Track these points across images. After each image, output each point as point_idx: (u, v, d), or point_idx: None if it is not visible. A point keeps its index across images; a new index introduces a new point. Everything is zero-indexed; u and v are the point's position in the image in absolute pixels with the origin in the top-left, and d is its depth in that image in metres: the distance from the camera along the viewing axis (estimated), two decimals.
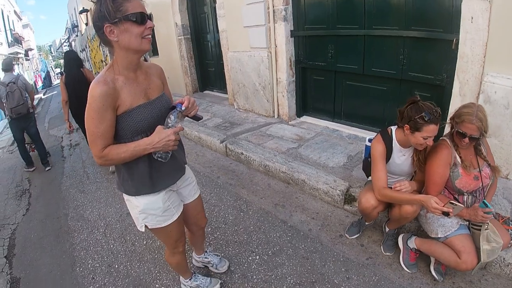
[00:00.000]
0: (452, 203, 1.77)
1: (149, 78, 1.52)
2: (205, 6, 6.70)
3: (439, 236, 2.10)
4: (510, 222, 2.39)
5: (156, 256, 2.71)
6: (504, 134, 2.81)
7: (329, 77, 4.49)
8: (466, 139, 1.94)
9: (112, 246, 2.92)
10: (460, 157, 2.07)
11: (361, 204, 2.33)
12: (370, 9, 3.70)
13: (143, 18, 1.32)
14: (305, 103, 5.08)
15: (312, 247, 2.62)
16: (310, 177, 3.26)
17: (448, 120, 2.09)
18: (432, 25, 3.25)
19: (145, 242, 2.88)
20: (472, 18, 2.72)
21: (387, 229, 2.52)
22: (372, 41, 3.79)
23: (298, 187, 3.40)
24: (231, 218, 3.08)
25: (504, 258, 2.26)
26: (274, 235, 2.80)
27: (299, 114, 5.13)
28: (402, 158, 2.26)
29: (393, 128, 2.26)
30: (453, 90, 2.94)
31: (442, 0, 3.11)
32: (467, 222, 2.10)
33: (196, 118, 1.59)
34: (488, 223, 1.97)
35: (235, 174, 3.88)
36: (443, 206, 1.79)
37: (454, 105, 2.82)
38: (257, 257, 2.56)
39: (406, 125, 2.02)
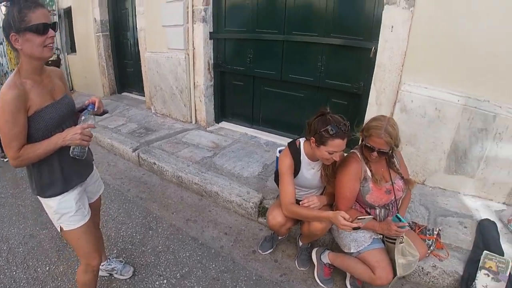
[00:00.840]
0: (360, 219, 1.71)
1: (53, 81, 1.60)
2: (126, 2, 6.16)
3: (352, 251, 2.06)
4: (427, 232, 2.41)
5: (59, 284, 2.32)
6: (420, 142, 2.89)
7: (248, 82, 4.38)
8: (375, 153, 1.90)
9: (14, 273, 2.45)
10: (371, 171, 2.02)
11: (268, 221, 2.22)
12: (290, 15, 3.63)
13: (45, 28, 1.38)
14: (224, 109, 4.90)
15: (223, 266, 2.46)
16: (223, 189, 3.10)
17: (359, 132, 2.03)
18: (352, 32, 3.25)
19: (48, 268, 2.47)
20: (392, 27, 2.74)
21: (300, 243, 2.44)
22: (291, 47, 3.73)
23: (211, 200, 3.21)
24: (139, 237, 2.78)
25: (422, 268, 2.30)
26: (184, 255, 2.58)
27: (217, 120, 4.93)
28: (311, 171, 2.17)
29: (302, 140, 2.16)
30: (369, 99, 2.94)
31: (363, 8, 3.13)
32: (381, 236, 2.07)
33: (104, 113, 1.76)
34: (402, 237, 1.92)
35: (147, 186, 3.56)
36: (352, 222, 1.71)
37: (370, 114, 2.87)
38: (165, 281, 2.34)
39: (312, 138, 1.93)
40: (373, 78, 2.89)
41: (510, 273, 2.32)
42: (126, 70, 6.97)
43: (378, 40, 2.89)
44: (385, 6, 2.78)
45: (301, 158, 2.12)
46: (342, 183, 2.01)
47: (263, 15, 3.90)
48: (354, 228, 1.72)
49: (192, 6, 4.26)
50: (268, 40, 3.89)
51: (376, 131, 1.85)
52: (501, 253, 2.52)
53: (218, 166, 3.56)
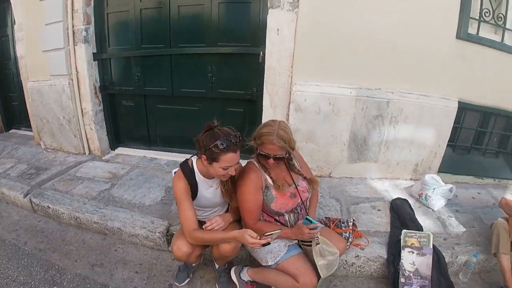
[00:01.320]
0: (268, 234, 1.66)
1: None
2: (6, 28, 5.36)
3: (269, 263, 1.96)
4: (342, 224, 2.40)
5: None
6: (319, 138, 2.94)
7: (139, 102, 4.10)
8: (271, 160, 1.84)
9: None
10: (271, 178, 1.95)
11: (174, 253, 2.02)
12: (175, 27, 3.45)
13: None
14: (118, 134, 4.51)
15: None
16: (125, 224, 2.82)
17: (252, 141, 1.91)
18: (239, 40, 3.18)
19: None
20: (278, 30, 2.76)
21: (216, 266, 2.28)
22: (180, 60, 3.55)
23: (116, 237, 2.90)
24: None
25: (346, 260, 2.31)
26: None
27: (112, 146, 4.51)
28: (210, 190, 2.03)
29: (194, 159, 2.02)
30: (264, 103, 2.93)
31: (248, 14, 3.07)
32: (296, 241, 2.01)
33: None
34: (318, 237, 1.88)
35: (45, 235, 3.09)
36: (260, 239, 1.65)
37: (266, 118, 2.86)
38: None
39: (203, 155, 1.81)
40: (264, 82, 2.87)
41: (433, 244, 2.41)
42: (11, 104, 6.11)
43: (265, 44, 2.86)
44: (269, 10, 2.77)
45: (196, 177, 1.97)
46: (244, 197, 1.92)
47: (147, 30, 3.67)
48: (264, 244, 1.66)
49: (73, 26, 3.84)
50: (155, 55, 3.68)
51: (268, 138, 1.79)
52: (419, 227, 2.63)
53: (118, 198, 3.24)
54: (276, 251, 1.95)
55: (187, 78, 3.58)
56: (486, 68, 3.46)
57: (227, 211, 2.21)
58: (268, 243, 1.66)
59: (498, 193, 3.75)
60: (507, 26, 3.49)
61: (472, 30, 3.30)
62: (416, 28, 2.98)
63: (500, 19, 3.44)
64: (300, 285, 1.84)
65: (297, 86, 2.77)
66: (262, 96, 2.97)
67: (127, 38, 3.81)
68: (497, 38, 3.51)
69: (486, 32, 3.45)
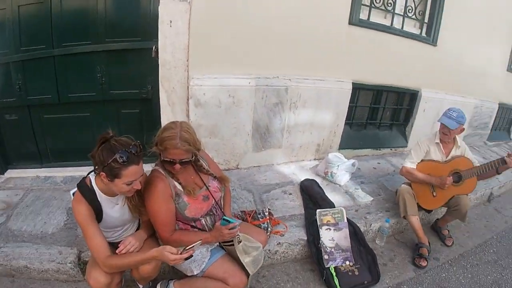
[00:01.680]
0: (189, 248, 1.55)
1: None
2: None
3: (195, 273, 1.85)
4: (259, 216, 2.42)
5: None
6: (223, 131, 2.90)
7: (23, 114, 3.48)
8: (177, 166, 1.71)
9: None
10: (181, 184, 1.82)
11: (91, 286, 1.76)
12: (57, 24, 3.05)
13: None
14: (5, 154, 3.73)
15: None
16: (31, 260, 2.41)
17: (154, 147, 1.74)
18: (129, 34, 2.94)
19: None
20: (171, 21, 2.57)
21: (140, 286, 2.10)
22: (64, 62, 3.16)
23: (25, 276, 2.47)
24: None
25: (269, 250, 2.33)
26: None
27: (1, 170, 3.74)
28: (116, 208, 1.79)
29: (92, 176, 1.75)
30: (161, 101, 2.74)
31: (138, 6, 2.84)
32: (218, 243, 1.94)
33: None
34: (239, 235, 1.83)
35: None
36: (181, 253, 1.53)
37: (165, 117, 2.73)
38: None
39: (101, 172, 1.56)
40: (160, 78, 2.69)
41: (347, 218, 2.57)
42: None
43: (158, 38, 2.68)
44: (161, 1, 2.59)
45: (98, 198, 1.72)
46: (154, 209, 1.75)
47: (27, 30, 3.18)
48: (186, 258, 1.55)
49: None
50: (36, 58, 3.22)
51: (171, 142, 1.65)
52: (331, 204, 2.77)
53: (17, 232, 2.74)
54: (199, 258, 1.85)
55: (74, 81, 3.22)
56: (377, 50, 3.75)
57: (138, 226, 2.01)
58: (191, 256, 1.57)
59: (396, 160, 4.14)
60: (396, 11, 3.80)
61: (363, 16, 3.54)
62: (310, 15, 3.07)
63: (389, 4, 3.75)
64: (231, 287, 1.80)
65: (195, 80, 2.66)
66: (159, 94, 2.79)
67: (4, 41, 3.26)
68: (387, 22, 3.82)
69: (377, 17, 3.72)
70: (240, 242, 1.84)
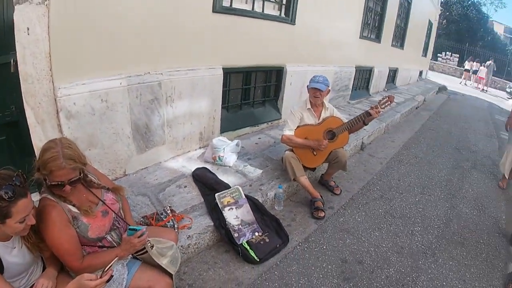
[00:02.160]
0: (107, 269, 1.50)
1: None
2: None
3: None
4: (161, 216, 2.48)
5: None
6: (102, 140, 2.84)
7: None
8: (67, 187, 1.61)
9: None
10: (75, 205, 1.71)
11: None
12: None
13: None
14: None
15: None
16: None
17: (36, 173, 1.60)
18: None
19: None
20: (28, 29, 2.31)
21: None
22: None
23: None
24: None
25: (181, 246, 2.39)
26: None
27: None
28: (15, 252, 1.59)
29: None
30: (28, 121, 2.50)
31: None
32: (130, 256, 1.89)
33: None
34: (149, 241, 1.81)
35: None
36: (101, 277, 1.46)
37: (37, 138, 2.52)
38: None
39: None
40: (23, 95, 2.44)
41: (245, 194, 2.88)
42: None
43: (15, 49, 2.36)
44: (16, 7, 2.29)
45: None
46: (54, 241, 1.61)
47: None
48: (108, 280, 1.48)
49: None
50: None
51: (55, 164, 1.55)
52: (226, 186, 3.04)
53: None
54: (117, 276, 1.75)
55: None
56: (242, 34, 4.06)
57: (44, 265, 1.82)
58: (112, 276, 1.50)
59: (274, 132, 4.65)
60: None
61: (226, 3, 3.76)
62: (174, 7, 3.16)
63: None
64: None
65: (62, 90, 2.52)
66: (25, 113, 2.50)
67: None
68: (248, 7, 4.14)
69: (239, 3, 4.00)
70: (152, 247, 1.83)
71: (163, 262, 1.85)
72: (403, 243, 3.07)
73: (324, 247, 2.87)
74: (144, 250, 1.83)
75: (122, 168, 3.09)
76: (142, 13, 2.91)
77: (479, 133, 8.12)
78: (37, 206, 1.64)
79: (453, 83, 18.67)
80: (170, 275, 1.89)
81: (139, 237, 1.71)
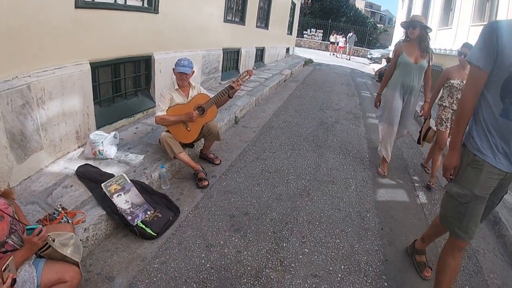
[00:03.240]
0: (4, 270, 1.59)
1: None
2: None
3: None
4: (55, 215, 2.66)
5: None
6: None
7: None
8: None
9: None
10: None
11: None
12: None
13: None
14: None
15: None
16: None
17: None
18: None
19: None
20: None
21: None
22: None
23: None
24: None
25: (81, 240, 2.57)
26: None
27: None
28: None
29: None
30: None
31: None
32: (34, 255, 2.02)
33: None
34: (49, 236, 1.98)
35: None
36: (4, 282, 1.56)
37: None
38: None
39: None
40: None
41: (130, 179, 3.24)
42: None
43: None
44: None
45: None
46: None
47: None
48: (13, 283, 1.58)
49: None
50: None
51: None
52: (111, 176, 3.31)
53: None
54: (28, 276, 1.91)
55: None
56: (106, 27, 4.34)
57: None
58: (15, 280, 1.61)
59: (150, 120, 5.09)
60: None
61: None
62: (34, 6, 3.26)
63: None
64: (70, 280, 1.97)
65: None
66: None
67: None
68: (111, 0, 4.41)
69: None
70: (54, 240, 2.01)
71: (67, 252, 2.07)
72: (281, 191, 3.90)
73: (213, 209, 3.50)
74: (46, 246, 1.99)
75: (5, 182, 3.13)
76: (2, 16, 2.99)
77: (341, 94, 9.96)
78: None
79: (320, 56, 21.37)
80: (76, 264, 2.10)
81: (37, 234, 1.87)
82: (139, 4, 5.07)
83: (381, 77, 13.15)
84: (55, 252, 2.03)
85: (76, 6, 3.80)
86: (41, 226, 1.93)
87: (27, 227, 1.92)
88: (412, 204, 4.01)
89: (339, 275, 2.79)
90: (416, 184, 4.59)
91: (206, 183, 3.82)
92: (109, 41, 4.48)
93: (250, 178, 4.14)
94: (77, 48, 3.98)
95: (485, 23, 8.06)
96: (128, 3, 4.77)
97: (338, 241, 3.18)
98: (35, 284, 1.91)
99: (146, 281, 2.58)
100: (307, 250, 3.04)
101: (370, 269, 2.90)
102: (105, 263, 2.69)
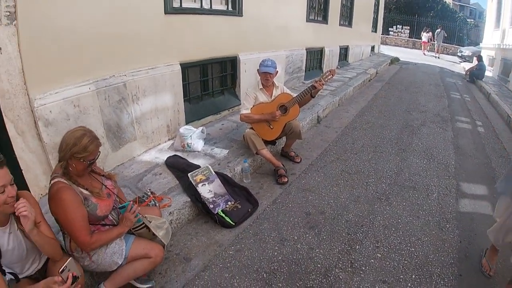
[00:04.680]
0: (63, 270, 1.54)
1: None
2: None
3: (120, 262, 2.05)
4: (143, 198, 2.80)
5: None
6: None
7: None
8: (95, 163, 2.05)
9: None
10: (87, 189, 1.98)
11: None
12: None
13: None
14: None
15: None
16: None
17: (69, 159, 1.90)
18: None
19: None
20: (0, 48, 2.52)
21: None
22: None
23: None
24: None
25: (170, 220, 2.52)
26: None
27: None
28: (5, 237, 1.68)
29: None
30: (10, 134, 2.68)
31: None
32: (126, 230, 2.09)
33: None
34: (145, 217, 2.16)
35: None
36: (66, 281, 1.53)
37: (18, 148, 2.72)
38: None
39: None
40: (2, 110, 2.62)
41: (215, 171, 3.27)
42: None
43: None
44: None
45: None
46: (69, 218, 1.82)
47: None
48: (74, 280, 1.57)
49: None
50: None
51: (94, 144, 1.93)
52: (198, 167, 3.39)
53: None
54: (118, 248, 2.05)
55: None
56: (194, 31, 4.46)
57: (46, 261, 1.96)
58: (77, 277, 1.60)
59: (235, 117, 5.07)
60: None
61: (176, 3, 4.13)
62: (129, 13, 3.46)
63: None
64: (154, 257, 2.09)
65: (38, 101, 2.76)
66: (5, 127, 2.66)
67: None
68: (197, 5, 4.54)
69: (188, 2, 4.40)
70: (150, 221, 2.17)
71: (160, 233, 2.20)
72: (359, 193, 3.61)
73: (290, 205, 3.36)
74: (142, 226, 2.15)
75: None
76: (100, 22, 3.19)
77: (429, 95, 8.90)
78: (49, 190, 1.91)
79: (407, 54, 19.69)
80: (162, 245, 2.22)
81: (129, 210, 2.03)
82: (224, 8, 5.12)
83: (472, 77, 12.11)
84: (147, 232, 2.17)
85: (166, 12, 3.94)
86: (131, 201, 2.08)
87: (119, 206, 2.09)
88: None
89: (409, 284, 2.46)
90: None
91: (285, 179, 3.70)
92: (197, 44, 4.58)
93: (329, 178, 3.90)
94: (168, 50, 4.13)
95: None
96: (214, 7, 4.85)
97: (413, 249, 2.82)
98: (122, 256, 2.05)
99: (220, 265, 2.56)
100: (380, 255, 2.74)
101: (442, 282, 2.50)
102: (184, 245, 2.76)
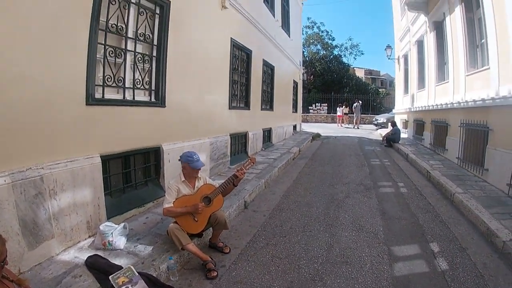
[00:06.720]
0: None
1: None
2: None
3: None
4: None
5: None
6: None
7: None
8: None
9: None
10: None
11: None
12: None
13: None
14: None
15: None
16: None
17: None
18: None
19: None
20: None
21: None
22: None
23: None
24: None
25: None
26: None
27: None
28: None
29: None
30: None
31: None
32: None
33: None
34: None
35: None
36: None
37: None
38: None
39: None
40: None
41: (138, 272, 3.27)
42: None
43: None
44: None
45: None
46: None
47: None
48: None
49: None
50: None
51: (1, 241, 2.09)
52: (120, 268, 3.37)
53: None
54: None
55: None
56: (116, 122, 4.76)
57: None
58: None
59: (160, 210, 4.99)
60: (126, 85, 4.99)
61: (98, 95, 4.46)
62: (48, 102, 3.66)
63: (120, 81, 4.91)
64: None
65: None
66: None
67: None
68: (119, 96, 4.92)
69: (111, 93, 4.77)
70: None
71: None
72: (292, 278, 3.82)
73: None
74: None
75: (16, 267, 3.28)
76: (16, 113, 3.35)
77: (350, 166, 10.04)
78: None
79: (327, 129, 22.56)
80: None
81: None
82: (147, 99, 5.57)
83: (389, 141, 14.34)
84: None
85: (87, 103, 4.23)
86: None
87: None
88: (433, 273, 3.93)
89: None
90: (435, 250, 4.51)
91: (214, 274, 3.82)
92: (119, 135, 4.86)
93: (260, 266, 4.09)
94: (89, 142, 4.33)
95: (480, 69, 8.32)
96: (137, 98, 5.27)
97: None
98: None
99: None
100: None
101: None
102: None
